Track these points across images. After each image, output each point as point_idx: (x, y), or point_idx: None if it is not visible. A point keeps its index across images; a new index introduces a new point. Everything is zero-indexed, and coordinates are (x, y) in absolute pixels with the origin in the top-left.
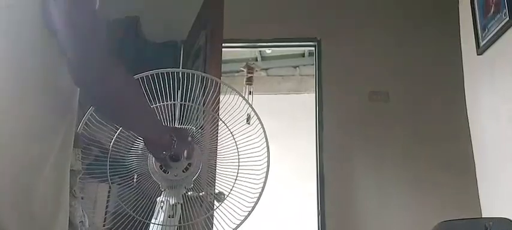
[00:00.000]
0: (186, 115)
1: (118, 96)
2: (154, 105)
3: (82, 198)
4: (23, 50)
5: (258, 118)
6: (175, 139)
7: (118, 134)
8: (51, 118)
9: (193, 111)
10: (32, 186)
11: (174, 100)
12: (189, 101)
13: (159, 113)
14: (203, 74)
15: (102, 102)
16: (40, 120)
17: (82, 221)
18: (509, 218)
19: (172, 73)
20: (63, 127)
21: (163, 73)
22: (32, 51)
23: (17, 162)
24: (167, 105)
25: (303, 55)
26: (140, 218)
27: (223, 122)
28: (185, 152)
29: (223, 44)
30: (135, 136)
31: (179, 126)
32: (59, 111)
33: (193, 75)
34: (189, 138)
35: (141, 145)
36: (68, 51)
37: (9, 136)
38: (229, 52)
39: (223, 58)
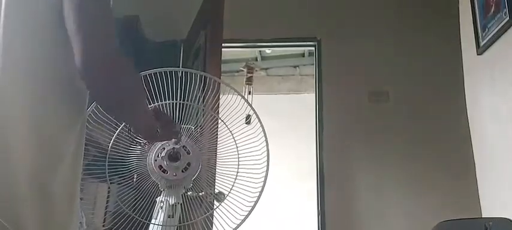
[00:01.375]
0: (185, 114)
1: (128, 95)
2: (154, 104)
3: (81, 199)
4: (38, 49)
5: (258, 118)
6: (158, 128)
7: (117, 134)
8: (66, 118)
9: (192, 111)
10: (49, 186)
11: (173, 99)
12: (188, 100)
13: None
14: (203, 73)
15: (111, 100)
16: (54, 120)
17: (81, 222)
18: (509, 218)
19: (172, 72)
20: (77, 127)
21: (162, 72)
22: (46, 51)
23: (34, 161)
24: (167, 104)
25: (303, 55)
26: (140, 218)
27: (223, 122)
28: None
29: (223, 44)
30: (133, 137)
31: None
32: (73, 111)
33: (193, 74)
34: (173, 125)
35: (142, 143)
36: (80, 51)
37: (25, 136)
38: (229, 52)
39: (223, 58)
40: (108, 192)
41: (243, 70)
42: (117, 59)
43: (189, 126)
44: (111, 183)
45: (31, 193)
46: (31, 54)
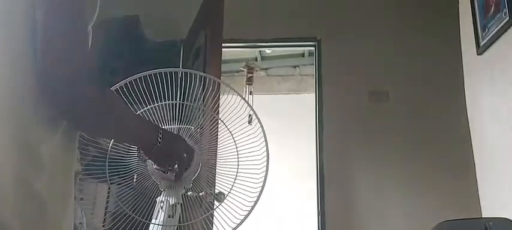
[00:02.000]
0: (185, 115)
1: (98, 118)
2: (153, 105)
3: (81, 199)
4: (16, 48)
5: (258, 118)
6: (160, 140)
7: None
8: (47, 117)
9: (192, 111)
10: (34, 185)
11: (173, 100)
12: (188, 101)
13: (158, 112)
14: (203, 74)
15: (78, 122)
16: (34, 119)
17: (81, 223)
18: (509, 218)
19: (172, 72)
20: (61, 126)
21: (162, 73)
22: (24, 50)
23: (16, 161)
24: (167, 104)
25: (303, 55)
26: (140, 218)
27: (222, 122)
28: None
29: (223, 44)
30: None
31: (166, 128)
32: (53, 111)
33: (193, 74)
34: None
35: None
36: (43, 71)
37: (5, 136)
38: (229, 52)
39: (223, 58)
40: (108, 192)
41: (243, 71)
42: (84, 87)
43: (189, 127)
44: (111, 183)
45: (15, 192)
46: (10, 55)
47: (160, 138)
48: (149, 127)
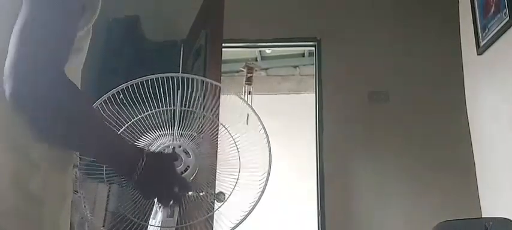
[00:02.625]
0: (185, 119)
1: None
2: (153, 110)
3: (82, 196)
4: (5, 51)
5: (260, 121)
6: (144, 161)
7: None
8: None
9: (193, 114)
10: (30, 186)
11: (173, 105)
12: (188, 104)
13: (158, 117)
14: (203, 78)
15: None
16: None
17: (83, 217)
18: (509, 218)
19: (173, 77)
20: None
21: (163, 77)
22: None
23: (11, 163)
24: (166, 110)
25: (303, 55)
26: (138, 220)
27: (223, 126)
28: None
29: (223, 44)
30: (134, 138)
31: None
32: None
33: (192, 79)
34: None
35: (142, 144)
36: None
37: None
38: (229, 52)
39: (223, 58)
40: (108, 192)
41: (243, 71)
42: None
43: (192, 133)
44: (110, 184)
45: (11, 194)
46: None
47: (143, 161)
48: (133, 148)
